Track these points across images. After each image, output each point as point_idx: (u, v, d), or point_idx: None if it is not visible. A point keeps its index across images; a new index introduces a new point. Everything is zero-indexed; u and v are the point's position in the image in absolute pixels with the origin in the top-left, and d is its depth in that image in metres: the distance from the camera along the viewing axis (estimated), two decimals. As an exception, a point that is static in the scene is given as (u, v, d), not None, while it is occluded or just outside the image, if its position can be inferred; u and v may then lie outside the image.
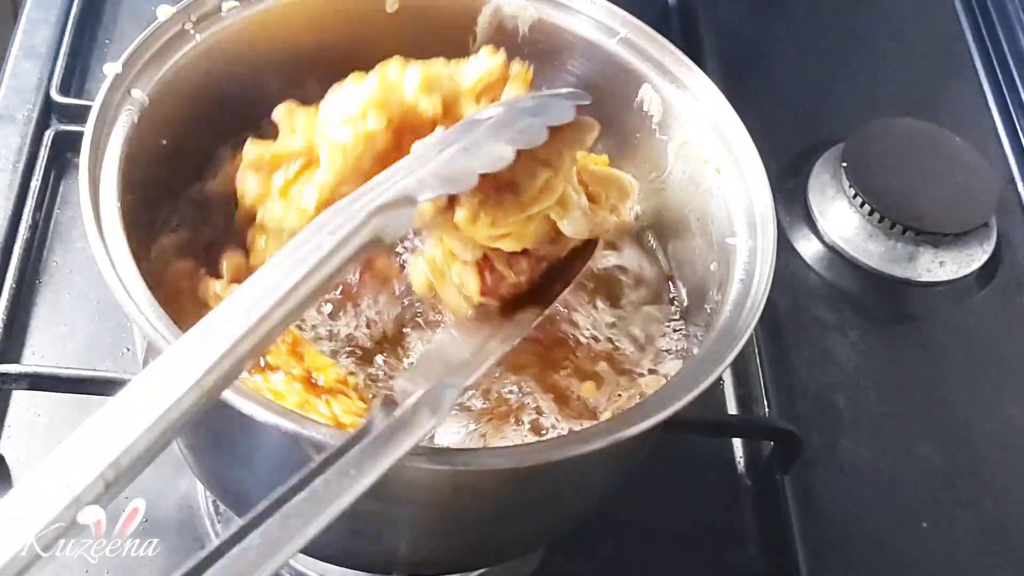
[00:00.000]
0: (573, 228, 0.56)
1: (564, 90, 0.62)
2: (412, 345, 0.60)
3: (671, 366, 0.61)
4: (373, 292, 0.60)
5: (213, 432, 0.54)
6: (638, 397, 0.59)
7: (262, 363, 0.54)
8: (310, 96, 0.67)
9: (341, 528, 0.55)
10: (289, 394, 0.52)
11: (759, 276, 0.55)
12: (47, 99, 0.88)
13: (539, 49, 0.65)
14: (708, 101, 0.61)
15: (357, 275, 0.60)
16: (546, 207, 0.54)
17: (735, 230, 0.58)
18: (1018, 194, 1.02)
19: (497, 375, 0.59)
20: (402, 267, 0.61)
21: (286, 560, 0.38)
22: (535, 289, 0.58)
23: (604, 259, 0.65)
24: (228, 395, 0.44)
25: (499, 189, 0.53)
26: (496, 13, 0.65)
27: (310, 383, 0.54)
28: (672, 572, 0.75)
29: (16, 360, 0.75)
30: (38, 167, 0.84)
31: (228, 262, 0.58)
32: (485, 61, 0.58)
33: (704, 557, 0.76)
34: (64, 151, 0.86)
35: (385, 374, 0.58)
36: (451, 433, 0.57)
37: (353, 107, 0.55)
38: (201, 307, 0.56)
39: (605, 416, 0.58)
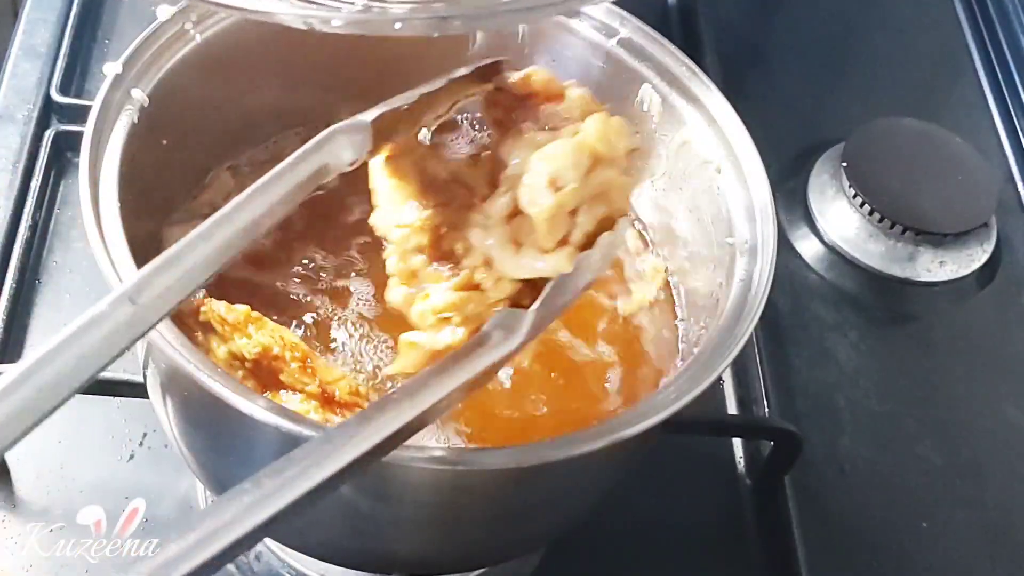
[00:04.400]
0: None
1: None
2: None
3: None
4: None
5: (213, 431, 0.54)
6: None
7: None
8: (308, 96, 0.67)
9: (341, 528, 0.56)
10: (306, 413, 0.52)
11: (759, 276, 0.55)
12: (47, 99, 0.88)
13: (539, 48, 0.65)
14: (708, 101, 0.61)
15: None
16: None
17: (735, 230, 0.58)
18: (1018, 194, 1.02)
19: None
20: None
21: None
22: None
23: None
24: (228, 394, 0.44)
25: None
26: (496, 13, 0.64)
27: (326, 399, 0.54)
28: (672, 572, 0.75)
29: (16, 360, 0.75)
30: (38, 167, 0.84)
31: None
32: None
33: (704, 557, 0.76)
34: (64, 151, 0.86)
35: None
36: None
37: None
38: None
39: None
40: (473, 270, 0.51)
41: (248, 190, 0.43)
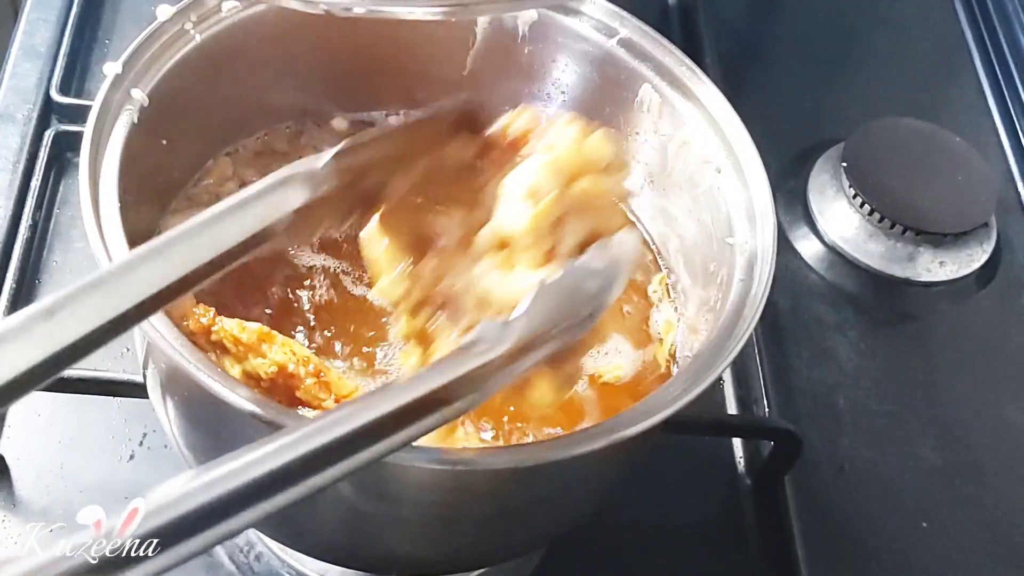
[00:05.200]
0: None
1: None
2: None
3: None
4: None
5: (212, 432, 0.54)
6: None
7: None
8: (301, 95, 0.67)
9: (341, 528, 0.56)
10: None
11: (759, 276, 0.55)
12: (47, 99, 0.88)
13: (539, 49, 0.66)
14: (708, 101, 0.61)
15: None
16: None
17: (735, 230, 0.58)
18: (1018, 194, 1.02)
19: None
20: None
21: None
22: None
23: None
24: (227, 394, 0.44)
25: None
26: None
27: None
28: (672, 572, 0.75)
29: (16, 360, 0.75)
30: (38, 167, 0.84)
31: None
32: None
33: (704, 557, 0.76)
34: (64, 151, 0.86)
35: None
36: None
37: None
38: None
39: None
40: (474, 310, 0.50)
41: (190, 221, 0.42)
